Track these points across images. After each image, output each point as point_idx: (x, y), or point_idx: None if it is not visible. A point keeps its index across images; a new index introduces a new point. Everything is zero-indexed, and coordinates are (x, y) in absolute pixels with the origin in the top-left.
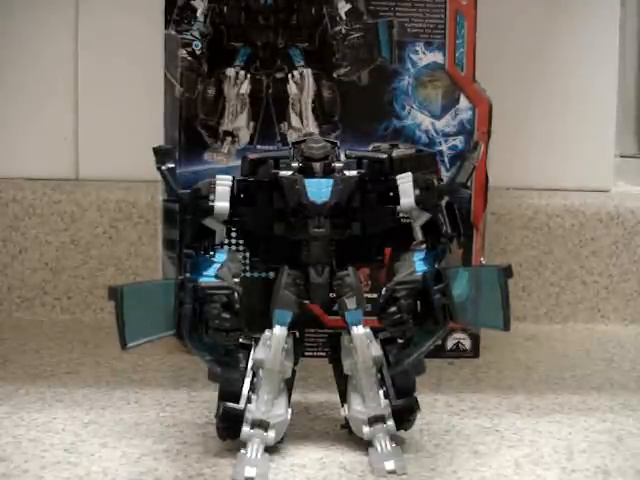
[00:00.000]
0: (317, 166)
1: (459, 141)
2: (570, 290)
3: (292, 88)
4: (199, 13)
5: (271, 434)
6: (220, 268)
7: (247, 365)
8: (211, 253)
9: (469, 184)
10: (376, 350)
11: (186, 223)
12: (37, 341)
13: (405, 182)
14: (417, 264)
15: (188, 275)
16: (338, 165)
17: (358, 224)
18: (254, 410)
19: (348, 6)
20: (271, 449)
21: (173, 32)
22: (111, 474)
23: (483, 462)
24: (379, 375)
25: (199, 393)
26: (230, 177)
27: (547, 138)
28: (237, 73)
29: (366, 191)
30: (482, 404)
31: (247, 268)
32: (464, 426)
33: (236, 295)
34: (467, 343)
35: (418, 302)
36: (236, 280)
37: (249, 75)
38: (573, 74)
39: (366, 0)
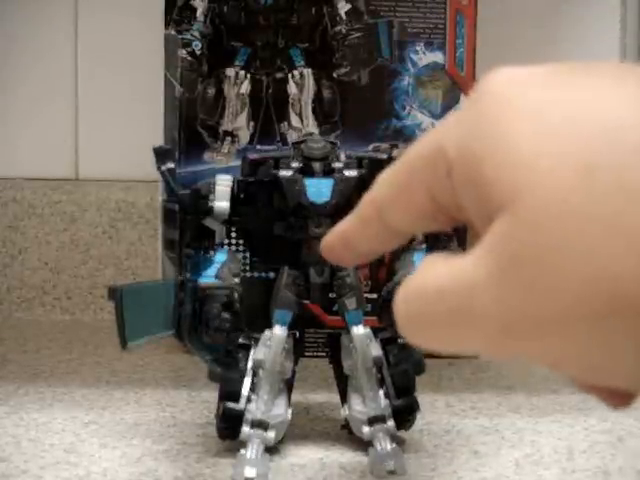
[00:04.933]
0: (317, 166)
1: None
2: None
3: (292, 88)
4: (199, 13)
5: (271, 434)
6: (220, 268)
7: (247, 365)
8: (211, 253)
9: None
10: (376, 350)
11: (186, 223)
12: (37, 341)
13: None
14: (417, 264)
15: (188, 275)
16: (338, 165)
17: None
18: (254, 410)
19: (348, 6)
20: (271, 449)
21: (173, 32)
22: (111, 474)
23: (483, 462)
24: (379, 375)
25: (199, 393)
26: (230, 177)
27: None
28: (237, 73)
29: (366, 191)
30: (482, 404)
31: (247, 268)
32: (464, 426)
33: (236, 295)
34: None
35: None
36: (236, 280)
37: (249, 75)
38: None
39: (366, 0)
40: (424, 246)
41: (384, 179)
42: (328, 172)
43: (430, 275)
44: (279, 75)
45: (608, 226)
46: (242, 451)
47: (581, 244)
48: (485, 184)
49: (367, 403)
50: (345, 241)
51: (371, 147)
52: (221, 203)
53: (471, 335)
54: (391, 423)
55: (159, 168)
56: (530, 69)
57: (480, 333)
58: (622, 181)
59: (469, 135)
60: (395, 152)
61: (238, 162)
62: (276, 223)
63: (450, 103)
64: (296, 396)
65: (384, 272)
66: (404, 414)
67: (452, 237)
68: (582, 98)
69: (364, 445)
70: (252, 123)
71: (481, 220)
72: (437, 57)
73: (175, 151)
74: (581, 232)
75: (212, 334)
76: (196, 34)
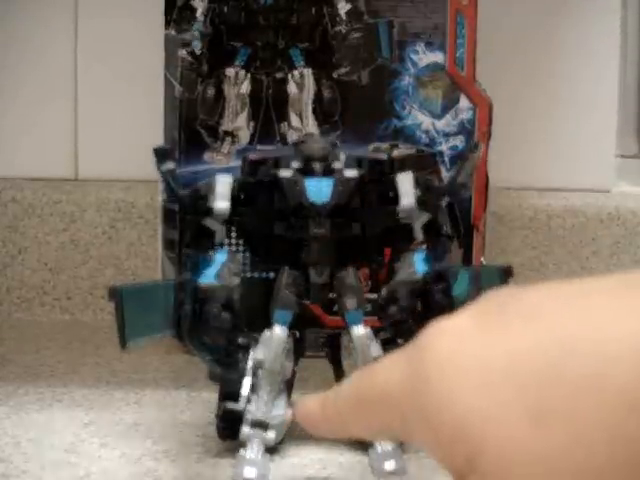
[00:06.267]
0: (317, 166)
1: (459, 141)
2: None
3: (292, 88)
4: (199, 13)
5: (271, 434)
6: (220, 268)
7: (247, 365)
8: (211, 253)
9: (469, 184)
10: (376, 350)
11: (186, 223)
12: (37, 341)
13: (405, 182)
14: (417, 264)
15: (188, 275)
16: (338, 165)
17: (358, 224)
18: (254, 410)
19: (348, 6)
20: (271, 449)
21: (173, 32)
22: (111, 474)
23: None
24: None
25: (199, 393)
26: (230, 177)
27: (547, 138)
28: (237, 73)
29: (366, 191)
30: None
31: (247, 268)
32: None
33: (236, 295)
34: None
35: (418, 302)
36: (236, 280)
37: (249, 75)
38: (574, 74)
39: (366, 0)
40: (424, 246)
41: (348, 396)
42: (328, 172)
43: None
44: (279, 75)
45: (560, 469)
46: (242, 451)
47: None
48: (445, 444)
49: None
50: (310, 422)
51: (371, 147)
52: (221, 203)
53: None
54: None
55: (159, 168)
56: (464, 318)
57: None
58: (568, 424)
59: (419, 395)
60: (395, 152)
61: (238, 162)
62: (276, 223)
63: (450, 103)
64: (296, 396)
65: (384, 272)
66: None
67: (452, 238)
68: (518, 342)
69: (364, 445)
70: (252, 123)
71: (451, 468)
72: (437, 57)
73: (175, 151)
74: (540, 475)
75: (212, 334)
76: (196, 34)
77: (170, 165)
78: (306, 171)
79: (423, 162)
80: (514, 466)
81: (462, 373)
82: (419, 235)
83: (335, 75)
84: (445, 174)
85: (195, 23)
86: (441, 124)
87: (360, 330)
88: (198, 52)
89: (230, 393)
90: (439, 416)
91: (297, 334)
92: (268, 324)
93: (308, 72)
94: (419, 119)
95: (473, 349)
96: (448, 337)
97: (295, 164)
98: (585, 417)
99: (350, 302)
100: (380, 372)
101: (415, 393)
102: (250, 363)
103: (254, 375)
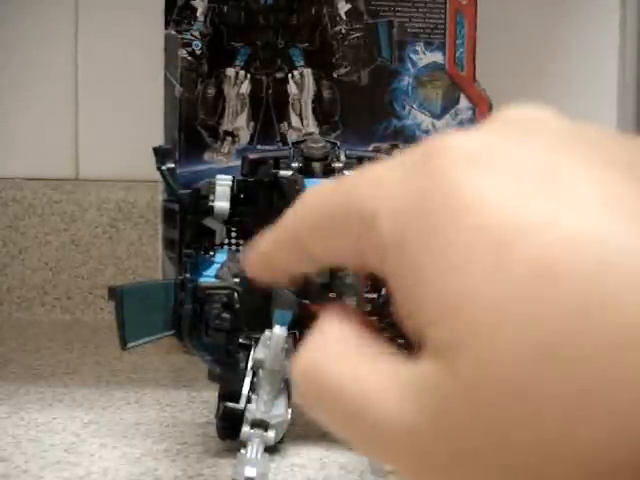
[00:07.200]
0: (317, 166)
1: None
2: None
3: (292, 88)
4: (199, 13)
5: (271, 434)
6: (220, 268)
7: (247, 365)
8: (211, 253)
9: None
10: None
11: (186, 223)
12: (37, 341)
13: None
14: None
15: (188, 275)
16: (338, 165)
17: None
18: (254, 410)
19: (348, 6)
20: (271, 449)
21: (173, 32)
22: (111, 474)
23: None
24: None
25: (199, 393)
26: (230, 177)
27: None
28: (237, 73)
29: None
30: None
31: None
32: None
33: (236, 295)
34: None
35: None
36: (236, 280)
37: (249, 75)
38: (573, 74)
39: (366, 0)
40: None
41: (308, 207)
42: (328, 172)
43: (336, 365)
44: (279, 75)
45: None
46: (242, 451)
47: (543, 426)
48: (424, 306)
49: None
50: (267, 263)
51: (371, 147)
52: (221, 203)
53: (368, 444)
54: None
55: (159, 168)
56: (483, 142)
57: (382, 450)
58: (592, 381)
59: (411, 223)
60: (395, 152)
61: (238, 162)
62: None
63: (450, 103)
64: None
65: None
66: None
67: None
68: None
69: None
70: (252, 123)
71: (409, 316)
72: (437, 57)
73: (175, 151)
74: (541, 414)
75: (212, 334)
76: (196, 34)
77: (170, 164)
78: (306, 171)
79: None
80: (506, 394)
81: (481, 239)
82: None
83: (335, 75)
84: None
85: (195, 23)
86: (441, 124)
87: None
88: (198, 52)
89: (230, 393)
90: (434, 267)
91: (297, 334)
92: (268, 324)
93: (308, 72)
94: (419, 119)
95: (501, 204)
96: (470, 161)
97: (295, 164)
98: None
99: (350, 302)
100: (356, 184)
101: (409, 221)
102: (250, 363)
103: (254, 375)
